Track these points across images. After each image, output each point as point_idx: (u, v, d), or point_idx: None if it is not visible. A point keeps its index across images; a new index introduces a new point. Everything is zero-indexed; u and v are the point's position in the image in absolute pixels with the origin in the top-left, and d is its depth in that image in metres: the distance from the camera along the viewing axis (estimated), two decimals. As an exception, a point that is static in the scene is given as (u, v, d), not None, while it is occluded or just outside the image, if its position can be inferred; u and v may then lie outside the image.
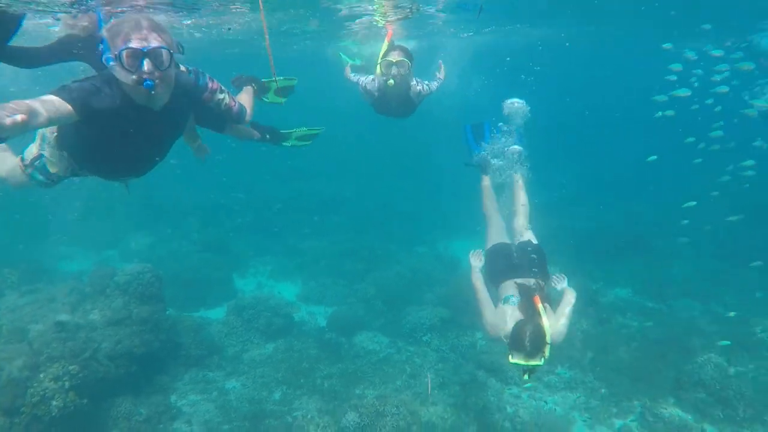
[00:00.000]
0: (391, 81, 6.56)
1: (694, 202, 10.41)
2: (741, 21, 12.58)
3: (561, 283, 5.68)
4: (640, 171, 23.14)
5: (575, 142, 27.68)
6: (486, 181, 7.28)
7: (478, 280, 5.61)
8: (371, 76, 7.08)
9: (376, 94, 7.00)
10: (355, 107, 8.49)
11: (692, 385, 8.58)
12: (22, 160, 4.21)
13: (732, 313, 10.71)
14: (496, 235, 6.52)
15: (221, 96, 4.77)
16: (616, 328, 10.58)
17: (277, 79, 5.97)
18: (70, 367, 6.79)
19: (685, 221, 11.86)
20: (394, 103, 7.03)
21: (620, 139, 29.42)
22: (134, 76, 3.28)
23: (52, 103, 3.09)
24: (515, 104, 7.42)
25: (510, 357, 4.68)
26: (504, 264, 5.92)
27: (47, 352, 7.09)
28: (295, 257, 14.14)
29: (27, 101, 2.91)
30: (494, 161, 7.36)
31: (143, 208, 15.76)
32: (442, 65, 7.49)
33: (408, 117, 7.56)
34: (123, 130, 3.55)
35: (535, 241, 6.27)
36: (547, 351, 4.61)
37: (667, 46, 10.97)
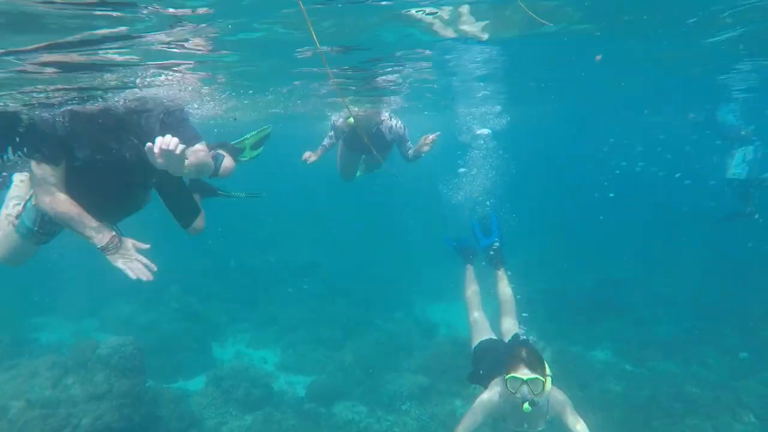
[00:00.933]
0: (351, 119, 6.99)
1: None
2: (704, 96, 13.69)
3: None
4: (605, 230, 23.88)
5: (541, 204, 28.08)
6: (469, 271, 7.27)
7: None
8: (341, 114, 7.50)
9: (347, 129, 7.43)
10: (329, 172, 8.91)
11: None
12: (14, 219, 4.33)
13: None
14: (481, 332, 6.42)
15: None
16: (597, 394, 10.81)
17: (246, 137, 6.09)
18: (49, 447, 7.27)
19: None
20: (365, 138, 7.32)
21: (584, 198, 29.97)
22: None
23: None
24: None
25: (507, 373, 4.60)
26: (494, 359, 5.65)
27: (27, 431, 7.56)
28: (272, 325, 14.57)
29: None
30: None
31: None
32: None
33: (383, 152, 7.74)
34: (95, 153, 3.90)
35: (524, 336, 6.10)
36: (548, 381, 4.61)
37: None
